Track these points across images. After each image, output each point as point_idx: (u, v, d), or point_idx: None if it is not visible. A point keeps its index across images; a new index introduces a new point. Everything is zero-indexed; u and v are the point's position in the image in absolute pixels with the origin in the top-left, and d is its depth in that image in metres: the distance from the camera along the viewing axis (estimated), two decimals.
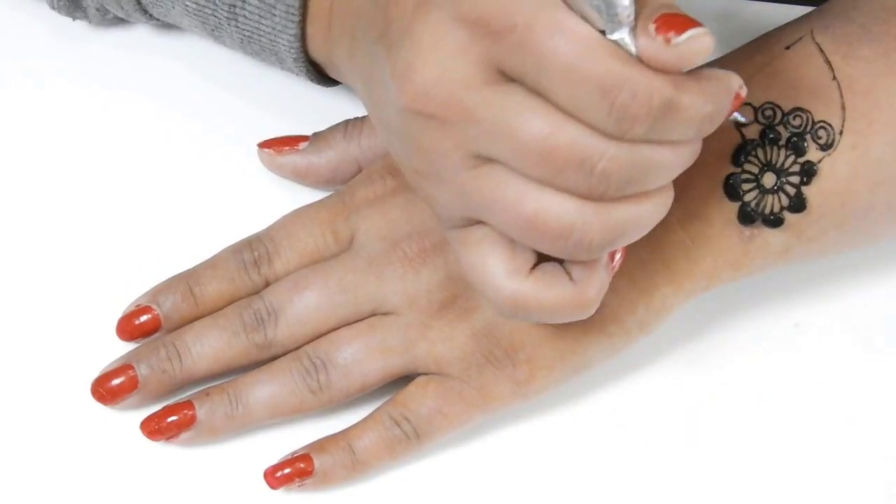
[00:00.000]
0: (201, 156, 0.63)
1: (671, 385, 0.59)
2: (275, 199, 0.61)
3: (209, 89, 0.64)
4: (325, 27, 0.56)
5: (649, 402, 0.59)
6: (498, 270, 0.48)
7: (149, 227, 0.61)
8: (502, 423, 0.58)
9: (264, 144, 0.61)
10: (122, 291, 0.58)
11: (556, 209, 0.45)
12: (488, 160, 0.46)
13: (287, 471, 0.56)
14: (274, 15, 0.56)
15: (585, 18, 0.43)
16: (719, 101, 0.44)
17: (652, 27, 0.42)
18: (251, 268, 0.57)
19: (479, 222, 0.48)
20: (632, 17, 0.42)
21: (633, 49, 0.42)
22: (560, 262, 0.49)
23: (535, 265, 0.49)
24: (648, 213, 0.47)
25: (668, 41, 0.42)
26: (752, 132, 0.54)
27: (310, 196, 0.59)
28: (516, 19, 0.43)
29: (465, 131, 0.45)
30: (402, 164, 0.49)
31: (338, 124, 0.60)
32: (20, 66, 0.65)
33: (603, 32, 0.43)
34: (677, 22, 0.42)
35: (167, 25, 0.64)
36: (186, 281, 0.57)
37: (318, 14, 0.56)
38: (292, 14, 0.56)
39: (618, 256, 0.50)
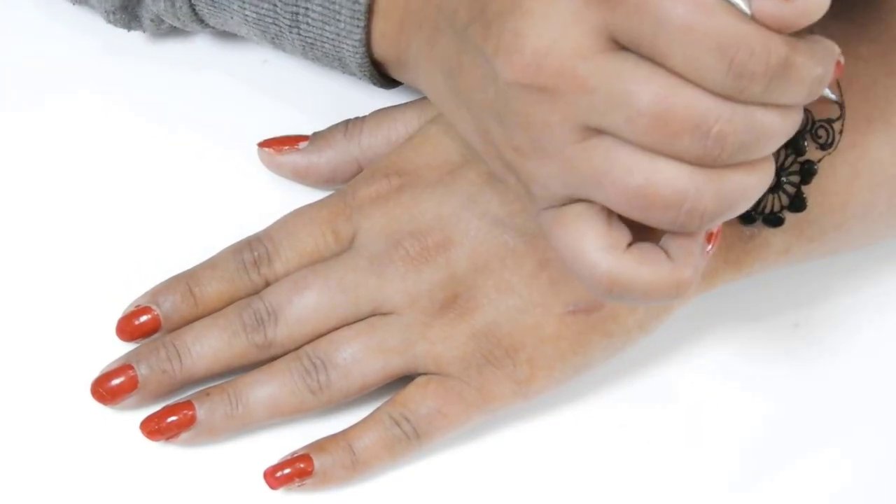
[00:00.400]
0: (201, 155, 0.63)
1: (671, 385, 0.59)
2: (275, 199, 0.60)
3: (208, 89, 0.64)
4: (396, 24, 0.55)
5: (650, 401, 0.59)
6: (594, 246, 0.47)
7: (149, 228, 0.61)
8: (502, 423, 0.58)
9: (264, 144, 0.61)
10: (122, 291, 0.58)
11: (668, 177, 0.44)
12: (597, 132, 0.45)
13: (287, 471, 0.56)
14: (339, 21, 0.55)
15: None
16: (827, 64, 0.44)
17: None
18: (251, 268, 0.57)
19: (577, 201, 0.47)
20: None
21: (747, 10, 0.42)
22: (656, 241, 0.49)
23: (632, 244, 0.48)
24: (756, 182, 0.46)
25: None
26: None
27: (310, 196, 0.59)
28: None
29: (576, 102, 0.44)
30: (498, 147, 0.48)
31: (338, 124, 0.60)
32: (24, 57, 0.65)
33: None
34: None
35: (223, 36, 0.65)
36: (186, 281, 0.57)
37: (388, 11, 0.55)
38: (358, 19, 0.55)
39: (714, 241, 0.49)
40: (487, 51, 0.46)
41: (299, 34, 0.57)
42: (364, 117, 0.60)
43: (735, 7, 0.42)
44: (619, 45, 0.44)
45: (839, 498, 0.57)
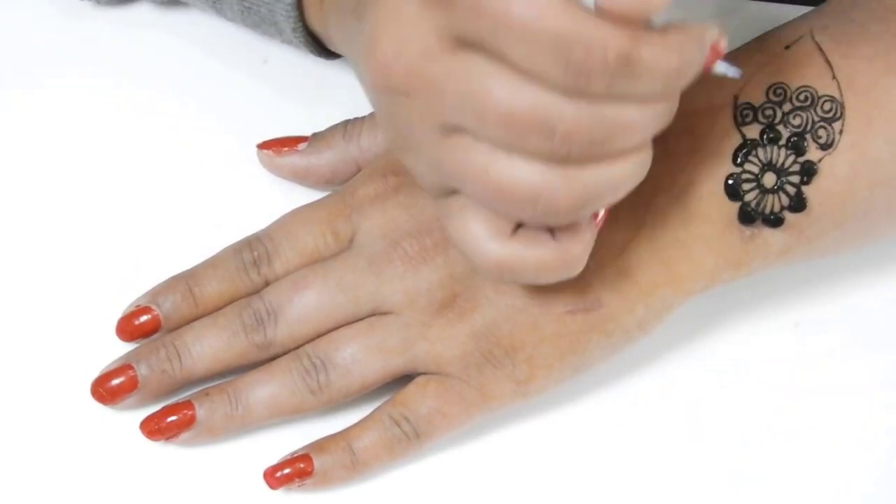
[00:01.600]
0: (201, 155, 0.63)
1: (671, 384, 0.59)
2: (274, 198, 0.60)
3: (208, 89, 0.64)
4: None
5: (649, 401, 0.59)
6: (481, 234, 0.48)
7: (148, 227, 0.61)
8: (502, 422, 0.58)
9: (263, 145, 0.61)
10: (122, 291, 0.58)
11: (521, 175, 0.45)
12: (456, 129, 0.46)
13: (287, 471, 0.56)
14: None
15: None
16: (686, 54, 0.44)
17: None
18: (251, 268, 0.57)
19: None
20: None
21: (590, 4, 0.42)
22: None
23: (518, 226, 0.48)
24: (621, 174, 0.46)
25: None
26: (753, 132, 0.54)
27: (309, 196, 0.59)
28: None
29: (429, 102, 0.45)
30: (386, 139, 0.50)
31: (337, 125, 0.60)
32: (21, 54, 0.65)
33: None
34: None
35: (169, 4, 0.64)
36: (186, 281, 0.57)
37: None
38: None
39: (601, 214, 0.49)
40: (358, 49, 0.47)
41: None
42: (363, 118, 0.60)
43: (579, 2, 0.42)
44: (467, 44, 0.44)
45: (839, 497, 0.57)
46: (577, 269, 0.49)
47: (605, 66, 0.42)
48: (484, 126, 0.44)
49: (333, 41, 0.57)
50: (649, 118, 0.45)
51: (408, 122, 0.47)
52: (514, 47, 0.42)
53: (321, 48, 0.60)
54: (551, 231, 0.48)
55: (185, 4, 0.65)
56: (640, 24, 0.42)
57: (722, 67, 0.46)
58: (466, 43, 0.44)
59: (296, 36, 0.58)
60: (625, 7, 0.42)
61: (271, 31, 0.59)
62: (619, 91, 0.43)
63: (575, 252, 0.48)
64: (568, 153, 0.44)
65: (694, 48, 0.44)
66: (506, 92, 0.43)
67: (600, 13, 0.42)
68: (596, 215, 0.49)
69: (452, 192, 0.48)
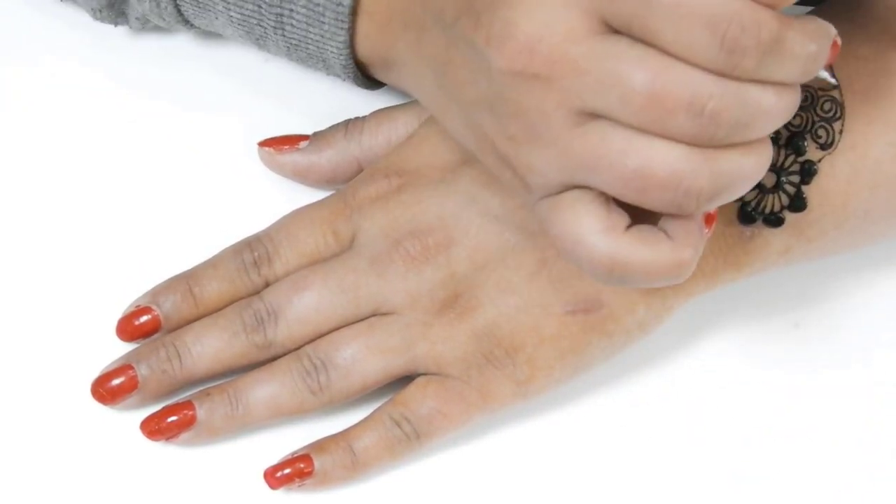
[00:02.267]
0: (201, 155, 0.63)
1: (671, 385, 0.59)
2: (275, 198, 0.60)
3: (208, 88, 0.64)
4: (381, 24, 0.55)
5: (650, 401, 0.59)
6: (592, 229, 0.47)
7: (149, 227, 0.61)
8: (503, 423, 0.58)
9: (265, 143, 0.61)
10: (122, 292, 0.58)
11: (664, 158, 0.45)
12: (592, 116, 0.45)
13: (287, 471, 0.56)
14: (323, 23, 0.55)
15: None
16: (822, 41, 0.45)
17: None
18: (251, 268, 0.57)
19: (574, 187, 0.47)
20: None
21: None
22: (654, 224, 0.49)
23: (630, 226, 0.48)
24: (753, 164, 0.46)
25: None
26: None
27: (310, 196, 0.59)
28: None
29: (570, 87, 0.45)
30: (492, 139, 0.48)
31: (338, 123, 0.60)
32: (21, 53, 0.65)
33: None
34: None
35: (209, 37, 0.65)
36: (186, 281, 0.57)
37: (373, 12, 0.55)
38: (342, 21, 0.55)
39: (709, 228, 0.49)
40: (478, 42, 0.46)
41: (283, 35, 0.57)
42: (364, 117, 0.60)
43: None
44: (611, 28, 0.44)
45: (840, 498, 0.57)
46: (687, 273, 0.48)
47: (759, 43, 0.43)
48: (628, 108, 0.44)
49: (397, 65, 0.55)
50: (784, 104, 0.45)
51: (540, 110, 0.46)
52: (666, 27, 0.43)
53: (366, 79, 0.59)
54: (663, 231, 0.48)
55: (224, 38, 0.65)
56: (778, 9, 0.43)
57: (825, 73, 0.48)
58: (612, 26, 0.44)
59: (345, 72, 0.57)
60: None
61: (318, 66, 0.58)
62: (765, 72, 0.44)
63: (686, 255, 0.47)
64: (714, 134, 0.44)
65: (826, 38, 0.45)
66: (654, 72, 0.43)
67: None
68: (706, 221, 0.49)
69: (567, 188, 0.47)
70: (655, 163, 0.44)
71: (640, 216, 0.48)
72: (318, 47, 0.57)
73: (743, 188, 0.46)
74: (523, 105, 0.46)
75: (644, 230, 0.47)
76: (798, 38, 0.43)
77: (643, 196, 0.45)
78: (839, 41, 0.46)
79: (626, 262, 0.47)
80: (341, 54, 0.56)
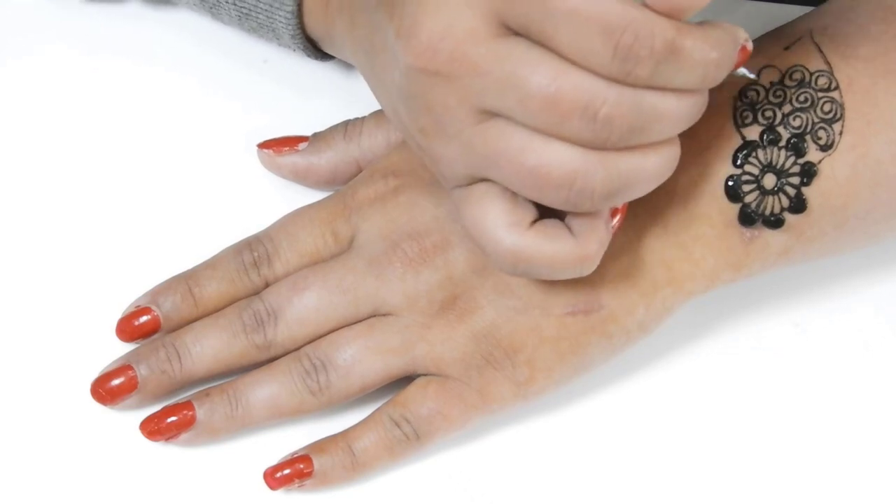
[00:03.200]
0: (201, 155, 0.63)
1: (671, 385, 0.59)
2: (275, 199, 0.61)
3: (209, 89, 0.64)
4: (323, 2, 0.57)
5: (649, 402, 0.59)
6: (498, 223, 0.49)
7: (148, 228, 0.61)
8: (502, 423, 0.58)
9: (264, 145, 0.61)
10: (122, 292, 0.58)
11: (559, 158, 0.46)
12: (493, 114, 0.47)
13: (286, 471, 0.56)
14: None
15: None
16: (724, 48, 0.46)
17: None
18: (251, 268, 0.57)
19: (483, 180, 0.49)
20: None
21: None
22: (561, 219, 0.50)
23: (536, 220, 0.50)
24: (653, 166, 0.47)
25: None
26: (753, 133, 0.54)
27: (310, 196, 0.59)
28: None
29: (470, 85, 0.46)
30: (407, 128, 0.50)
31: (338, 125, 0.60)
32: (21, 52, 0.65)
33: None
34: None
35: (159, 4, 0.64)
36: (186, 282, 0.57)
37: None
38: None
39: (618, 217, 0.51)
40: (390, 34, 0.47)
41: (235, 4, 0.58)
42: (363, 118, 0.60)
43: None
44: (512, 30, 0.45)
45: (839, 497, 0.57)
46: (591, 267, 0.50)
47: (652, 52, 0.44)
48: (525, 109, 0.46)
49: (338, 43, 0.57)
50: (685, 110, 0.46)
51: (444, 105, 0.47)
52: (563, 32, 0.44)
53: (316, 51, 0.60)
54: (568, 227, 0.50)
55: (175, 4, 0.65)
56: (681, 19, 0.44)
57: (742, 69, 0.49)
58: (512, 28, 0.45)
59: (294, 41, 0.59)
60: (670, 4, 0.44)
61: (269, 36, 0.60)
62: (661, 79, 0.45)
63: (590, 249, 0.49)
64: (607, 138, 0.46)
65: (730, 45, 0.46)
66: (550, 75, 0.45)
67: (647, 3, 0.44)
68: (613, 214, 0.51)
69: (475, 180, 0.49)
70: (551, 162, 0.46)
71: (551, 211, 0.50)
72: (267, 16, 0.58)
73: (644, 188, 0.48)
74: (429, 100, 0.47)
75: (549, 225, 0.50)
76: (697, 47, 0.45)
77: (540, 193, 0.47)
78: (749, 46, 0.48)
79: (530, 257, 0.49)
80: (289, 24, 0.58)
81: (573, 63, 0.45)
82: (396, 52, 0.47)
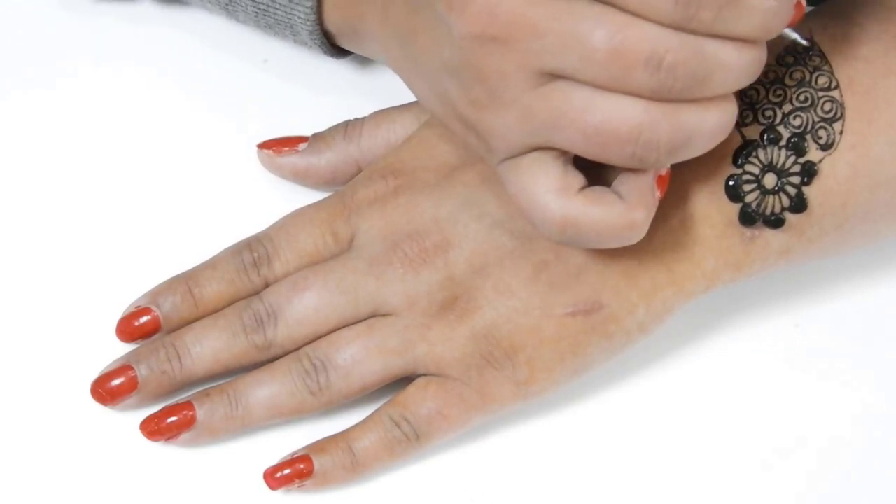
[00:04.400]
0: (201, 155, 0.63)
1: (671, 385, 0.59)
2: (275, 199, 0.61)
3: (208, 88, 0.64)
4: None
5: (650, 402, 0.59)
6: (547, 188, 0.49)
7: (148, 228, 0.61)
8: (502, 423, 0.58)
9: (264, 145, 0.61)
10: (122, 292, 0.58)
11: (624, 112, 0.46)
12: (552, 77, 0.47)
13: (286, 471, 0.56)
14: None
15: None
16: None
17: None
18: (251, 269, 0.57)
19: (535, 149, 0.49)
20: None
21: None
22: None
23: (585, 187, 0.50)
24: (714, 121, 0.48)
25: None
26: (753, 133, 0.54)
27: (310, 196, 0.59)
28: None
29: (529, 48, 0.46)
30: (455, 105, 0.50)
31: (337, 125, 0.60)
32: (20, 52, 0.65)
33: None
34: None
35: (171, 2, 0.64)
36: (186, 282, 0.57)
37: None
38: None
39: (661, 191, 0.51)
40: (440, 8, 0.47)
41: (252, 1, 0.57)
42: (363, 119, 0.60)
43: None
44: None
45: (839, 497, 0.57)
46: (640, 233, 0.50)
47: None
48: (588, 65, 0.46)
49: (364, 34, 0.57)
50: (746, 61, 0.47)
51: (501, 72, 0.47)
52: None
53: (332, 47, 0.60)
54: (617, 193, 0.50)
55: (188, 4, 0.65)
56: None
57: (796, 35, 0.50)
58: None
59: (312, 38, 0.59)
60: None
61: (285, 33, 0.60)
62: (723, 26, 0.45)
63: (638, 215, 0.50)
64: (672, 87, 0.46)
65: None
66: (613, 28, 0.45)
67: None
68: (660, 183, 0.51)
69: (528, 149, 0.49)
70: (616, 117, 0.47)
71: (597, 180, 0.50)
72: (285, 12, 0.58)
73: (705, 144, 0.48)
74: (484, 69, 0.47)
75: (597, 191, 0.50)
76: None
77: (605, 150, 0.47)
78: (804, 2, 0.48)
79: (579, 222, 0.49)
80: (308, 20, 0.57)
81: (634, 14, 0.45)
82: (450, 24, 0.47)
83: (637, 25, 0.45)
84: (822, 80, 0.54)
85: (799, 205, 0.53)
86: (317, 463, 0.56)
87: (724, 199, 0.54)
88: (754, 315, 0.61)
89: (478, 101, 0.48)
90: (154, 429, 0.56)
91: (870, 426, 0.59)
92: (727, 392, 0.59)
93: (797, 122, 0.53)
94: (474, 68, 0.47)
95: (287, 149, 0.60)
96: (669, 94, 0.46)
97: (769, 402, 0.59)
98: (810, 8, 0.57)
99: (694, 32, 0.45)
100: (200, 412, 0.56)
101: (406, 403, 0.56)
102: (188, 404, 0.56)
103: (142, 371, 0.56)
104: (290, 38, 0.59)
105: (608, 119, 0.46)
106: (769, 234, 0.54)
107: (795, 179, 0.53)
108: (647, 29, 0.45)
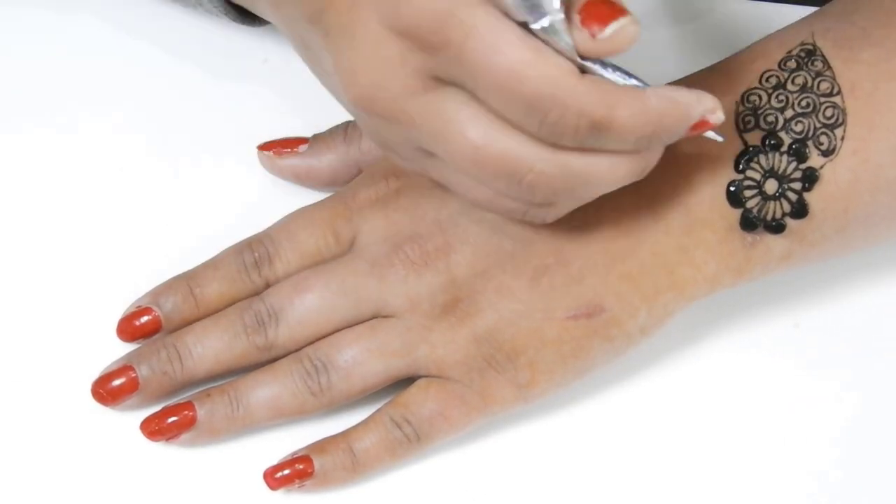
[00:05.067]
0: (201, 155, 0.63)
1: (671, 386, 0.59)
2: (276, 199, 0.61)
3: (208, 89, 0.64)
4: None
5: (650, 402, 0.59)
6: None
7: (150, 228, 0.61)
8: (503, 425, 0.58)
9: (264, 147, 0.61)
10: (123, 292, 0.58)
11: (499, 201, 0.49)
12: (434, 154, 0.48)
13: (287, 472, 0.56)
14: None
15: (506, 11, 0.44)
16: (667, 121, 0.46)
17: (577, 19, 0.44)
18: (252, 269, 0.57)
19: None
20: (554, 3, 0.43)
21: (564, 37, 0.44)
22: None
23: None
24: (603, 168, 0.48)
25: (593, 36, 0.44)
26: (755, 138, 0.54)
27: (311, 197, 0.59)
28: (450, 35, 0.44)
29: (408, 133, 0.48)
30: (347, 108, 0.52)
31: (338, 126, 0.60)
32: (20, 51, 0.65)
33: (526, 25, 0.44)
34: (601, 13, 0.44)
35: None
36: (187, 282, 0.57)
37: None
38: None
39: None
40: (327, 61, 0.49)
41: None
42: None
43: (551, 36, 0.43)
44: (448, 83, 0.46)
45: (840, 497, 0.57)
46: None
47: (577, 129, 0.45)
48: (456, 164, 0.47)
49: (262, 13, 0.57)
50: (619, 169, 0.47)
51: (389, 139, 0.49)
52: (493, 98, 0.45)
53: (242, 15, 0.61)
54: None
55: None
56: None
57: (710, 134, 0.48)
58: (446, 82, 0.46)
59: (212, 3, 0.59)
60: (599, 49, 0.44)
61: (191, 2, 0.60)
62: (591, 145, 0.46)
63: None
64: (530, 200, 0.48)
65: (676, 117, 0.46)
66: (478, 134, 0.46)
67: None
68: None
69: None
70: (493, 201, 0.49)
71: None
72: None
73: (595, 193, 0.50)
74: (374, 132, 0.50)
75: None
76: (630, 123, 0.45)
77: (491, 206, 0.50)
78: (713, 119, 0.47)
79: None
80: None
81: (503, 123, 0.46)
82: (337, 85, 0.49)
83: (502, 137, 0.46)
84: (824, 86, 0.54)
85: (800, 210, 0.53)
86: (317, 463, 0.56)
87: (726, 204, 0.54)
88: (754, 315, 0.61)
89: (378, 146, 0.51)
90: (154, 429, 0.56)
91: (870, 426, 0.59)
92: (727, 392, 0.59)
93: (799, 127, 0.53)
94: (366, 128, 0.50)
95: (287, 150, 0.60)
96: (531, 204, 0.48)
97: (769, 402, 0.59)
98: (808, 8, 0.57)
99: (563, 148, 0.46)
100: (201, 412, 0.56)
101: (407, 404, 0.56)
102: (189, 404, 0.56)
103: (143, 371, 0.56)
104: (197, 6, 0.59)
105: (486, 199, 0.49)
106: (770, 239, 0.54)
107: (796, 185, 0.53)
108: (511, 142, 0.46)
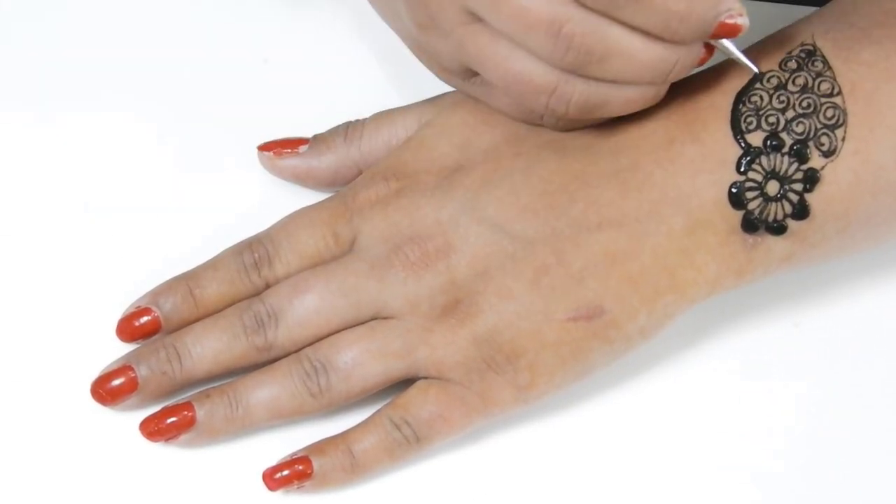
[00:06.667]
0: (201, 155, 0.63)
1: (671, 386, 0.59)
2: (276, 199, 0.60)
3: (208, 89, 0.64)
4: None
5: (649, 403, 0.59)
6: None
7: (149, 228, 0.61)
8: (503, 426, 0.58)
9: (264, 147, 0.61)
10: (123, 292, 0.58)
11: (538, 71, 0.51)
12: (479, 17, 0.50)
13: (286, 473, 0.56)
14: None
15: None
16: (693, 6, 0.48)
17: None
18: (251, 269, 0.57)
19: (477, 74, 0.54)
20: None
21: None
22: None
23: None
24: (627, 94, 0.52)
25: None
26: (756, 139, 0.53)
27: (312, 197, 0.59)
28: None
29: None
30: (407, 27, 0.54)
31: (338, 127, 0.60)
32: (20, 51, 0.65)
33: None
34: None
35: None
36: (187, 282, 0.57)
37: None
38: None
39: None
40: None
41: None
42: (364, 120, 0.60)
43: None
44: None
45: (840, 497, 0.57)
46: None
47: None
48: (497, 15, 0.49)
49: None
50: (649, 57, 0.50)
51: (438, 3, 0.51)
52: None
53: None
54: None
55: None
56: None
57: (743, 58, 0.52)
58: None
59: None
60: None
61: None
62: (624, 14, 0.48)
63: None
64: (564, 57, 0.49)
65: (704, 6, 0.49)
66: None
67: None
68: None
69: (472, 75, 0.54)
70: (533, 70, 0.51)
71: None
72: None
73: (619, 110, 0.53)
74: (421, 14, 0.52)
75: None
76: None
77: (521, 96, 0.52)
78: (734, 21, 0.50)
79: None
80: None
81: None
82: None
83: None
84: (825, 87, 0.53)
85: (801, 212, 0.53)
86: (316, 464, 0.56)
87: (727, 205, 0.54)
88: (754, 315, 0.61)
89: (422, 25, 0.53)
90: (154, 429, 0.56)
91: (870, 426, 0.59)
92: (727, 392, 0.59)
93: (800, 128, 0.53)
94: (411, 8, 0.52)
95: (287, 151, 0.60)
96: (562, 63, 0.49)
97: (769, 402, 0.59)
98: (808, 8, 0.57)
99: (600, 14, 0.48)
100: (200, 413, 0.56)
101: (407, 406, 0.55)
102: (188, 405, 0.56)
103: (142, 371, 0.56)
104: None
105: (526, 70, 0.50)
106: (771, 241, 0.54)
107: (798, 187, 0.53)
108: (555, 1, 0.48)
